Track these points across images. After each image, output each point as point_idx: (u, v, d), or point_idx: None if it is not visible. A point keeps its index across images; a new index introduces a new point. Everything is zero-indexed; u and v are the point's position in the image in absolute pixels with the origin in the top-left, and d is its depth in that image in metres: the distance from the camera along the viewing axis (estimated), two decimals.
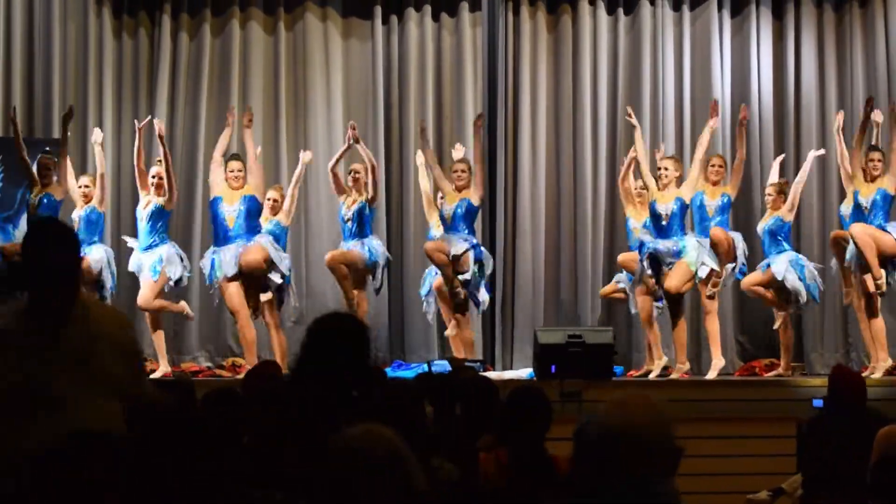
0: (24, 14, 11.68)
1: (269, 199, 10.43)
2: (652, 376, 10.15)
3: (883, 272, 9.63)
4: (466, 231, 10.13)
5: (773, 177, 10.80)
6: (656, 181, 10.04)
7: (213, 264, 9.93)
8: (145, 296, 10.05)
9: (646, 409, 2.57)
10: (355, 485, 2.44)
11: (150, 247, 10.08)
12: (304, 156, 10.88)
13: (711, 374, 10.03)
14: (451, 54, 12.37)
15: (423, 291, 10.87)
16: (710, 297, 9.97)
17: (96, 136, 10.53)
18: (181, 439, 2.68)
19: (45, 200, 10.09)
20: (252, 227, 9.87)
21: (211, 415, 4.11)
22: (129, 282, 10.66)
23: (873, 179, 9.84)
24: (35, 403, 3.30)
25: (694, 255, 9.80)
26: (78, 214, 10.21)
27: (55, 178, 10.13)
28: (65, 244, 3.49)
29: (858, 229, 9.69)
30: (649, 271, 9.99)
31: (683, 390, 9.21)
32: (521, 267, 12.05)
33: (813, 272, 10.34)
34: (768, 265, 10.28)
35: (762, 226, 10.54)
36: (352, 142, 10.44)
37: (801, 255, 10.50)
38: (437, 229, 10.59)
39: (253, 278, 9.83)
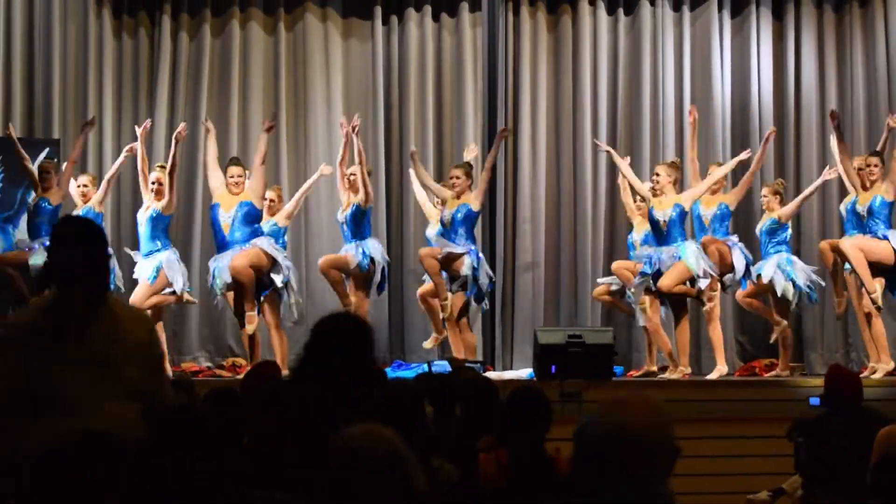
0: (24, 14, 11.67)
1: (266, 199, 10.40)
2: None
3: (878, 287, 9.56)
4: (465, 237, 10.08)
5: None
6: (653, 188, 10.03)
7: (213, 273, 9.91)
8: (140, 295, 10.01)
9: (646, 409, 2.56)
10: (355, 485, 2.44)
11: (150, 253, 10.06)
12: (324, 169, 10.81)
13: (713, 376, 10.02)
14: (451, 54, 12.37)
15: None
16: (706, 305, 9.93)
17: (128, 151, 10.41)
18: (181, 439, 2.67)
19: (42, 205, 10.11)
20: (249, 233, 9.77)
21: (211, 415, 4.11)
22: (132, 286, 10.65)
23: (871, 184, 9.76)
24: (54, 403, 3.28)
25: (693, 259, 9.76)
26: (76, 214, 10.23)
27: (56, 182, 10.14)
28: (93, 242, 3.47)
29: (847, 244, 9.61)
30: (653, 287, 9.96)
31: (683, 391, 9.20)
32: (521, 267, 12.05)
33: (807, 272, 10.29)
34: (758, 273, 10.23)
35: (759, 228, 10.54)
36: (350, 134, 10.24)
37: (793, 257, 10.43)
38: (433, 228, 10.60)
39: (245, 282, 9.75)
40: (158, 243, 10.09)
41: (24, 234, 10.45)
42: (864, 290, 9.63)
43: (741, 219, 11.39)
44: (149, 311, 9.97)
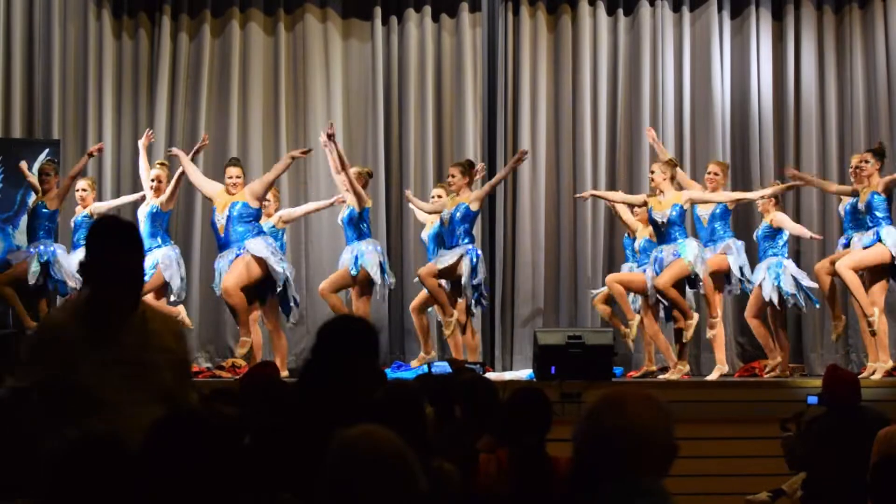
0: (24, 15, 11.67)
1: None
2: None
3: (875, 310, 9.56)
4: (464, 236, 10.06)
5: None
6: (651, 188, 10.07)
7: (219, 272, 9.89)
8: None
9: (647, 407, 2.56)
10: (355, 486, 2.44)
11: (149, 249, 10.05)
12: (338, 199, 10.53)
13: (713, 376, 10.04)
14: (451, 55, 12.37)
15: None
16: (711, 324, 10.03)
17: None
18: (181, 439, 2.67)
19: (40, 209, 10.14)
20: (243, 232, 9.69)
21: (211, 415, 4.11)
22: None
23: (866, 180, 9.76)
24: (91, 404, 3.27)
25: (692, 257, 9.74)
26: (73, 218, 10.28)
27: (55, 184, 10.14)
28: (133, 244, 3.45)
29: (843, 267, 9.58)
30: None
31: (683, 391, 9.19)
32: (521, 268, 12.04)
33: (795, 277, 10.23)
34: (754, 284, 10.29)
35: (756, 233, 10.56)
36: (328, 143, 10.14)
37: (785, 261, 10.37)
38: (427, 230, 10.61)
39: (237, 305, 9.71)
40: (158, 240, 10.10)
41: (23, 234, 10.45)
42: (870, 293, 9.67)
43: (741, 221, 11.38)
44: None
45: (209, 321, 11.79)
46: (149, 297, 9.99)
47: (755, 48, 12.38)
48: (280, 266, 9.75)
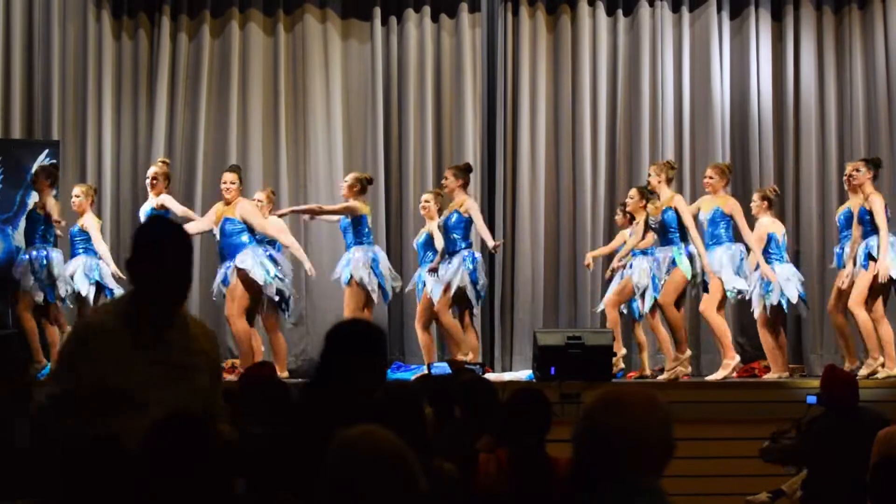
0: (24, 15, 11.67)
1: (254, 199, 10.34)
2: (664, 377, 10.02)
3: (881, 358, 9.57)
4: (460, 239, 10.03)
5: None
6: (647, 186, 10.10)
7: (225, 274, 9.87)
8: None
9: (646, 407, 2.56)
10: (355, 486, 2.44)
11: None
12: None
13: (719, 375, 9.89)
14: (451, 55, 12.37)
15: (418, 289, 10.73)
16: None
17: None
18: (181, 440, 2.68)
19: (35, 213, 10.12)
20: (234, 247, 9.63)
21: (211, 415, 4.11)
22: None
23: (854, 190, 9.76)
24: (135, 403, 3.27)
25: (686, 266, 9.64)
26: (70, 229, 10.26)
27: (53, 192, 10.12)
28: (181, 245, 3.45)
29: (854, 306, 9.56)
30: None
31: (683, 391, 9.19)
32: (521, 268, 12.04)
33: (786, 284, 10.17)
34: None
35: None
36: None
37: (778, 266, 10.32)
38: (419, 237, 10.63)
39: (241, 336, 9.74)
40: None
41: (22, 235, 10.43)
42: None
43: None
44: None
45: (209, 322, 11.70)
46: None
47: (755, 49, 12.38)
48: (267, 277, 9.60)
